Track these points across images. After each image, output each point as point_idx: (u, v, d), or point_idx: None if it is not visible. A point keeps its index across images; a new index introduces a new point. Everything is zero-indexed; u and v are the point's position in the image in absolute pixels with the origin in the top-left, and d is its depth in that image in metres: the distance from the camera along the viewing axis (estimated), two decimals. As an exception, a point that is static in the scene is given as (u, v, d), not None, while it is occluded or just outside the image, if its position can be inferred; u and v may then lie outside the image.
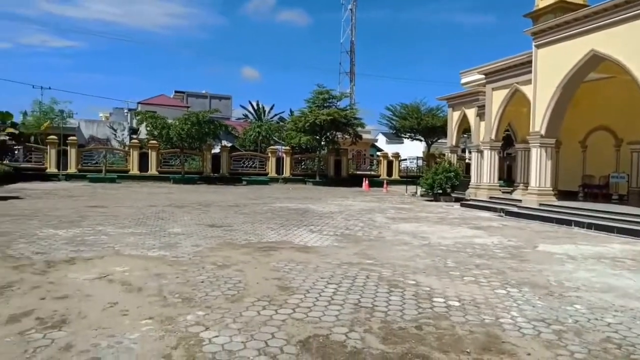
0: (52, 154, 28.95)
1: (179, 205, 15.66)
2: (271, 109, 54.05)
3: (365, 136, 38.58)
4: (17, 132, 28.87)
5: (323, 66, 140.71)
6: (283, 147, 34.84)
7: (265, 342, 3.94)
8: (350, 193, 24.76)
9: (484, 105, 19.17)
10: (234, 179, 31.35)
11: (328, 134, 32.51)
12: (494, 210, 15.94)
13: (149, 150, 30.51)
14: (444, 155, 29.48)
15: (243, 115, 55.50)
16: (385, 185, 29.00)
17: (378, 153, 42.42)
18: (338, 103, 33.60)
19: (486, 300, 5.34)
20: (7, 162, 27.01)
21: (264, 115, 52.29)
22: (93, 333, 4.03)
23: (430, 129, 37.87)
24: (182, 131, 28.56)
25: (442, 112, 37.39)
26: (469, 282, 6.15)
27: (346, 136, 33.17)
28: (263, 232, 10.10)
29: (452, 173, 20.88)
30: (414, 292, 5.61)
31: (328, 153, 34.68)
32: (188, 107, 47.55)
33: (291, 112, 44.83)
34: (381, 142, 58.97)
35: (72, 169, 29.10)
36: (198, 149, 31.37)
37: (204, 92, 62.73)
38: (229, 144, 36.74)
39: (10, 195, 17.43)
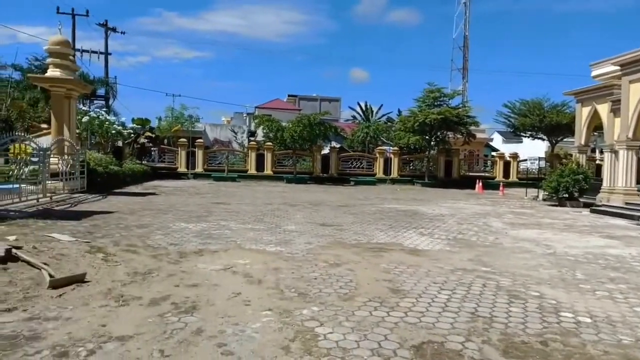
0: (182, 155, 32.11)
1: (292, 203, 16.36)
2: (379, 109, 53.83)
3: (478, 135, 36.62)
4: (153, 135, 32.67)
5: (433, 63, 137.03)
6: (391, 148, 34.53)
7: (379, 343, 3.96)
8: (462, 195, 23.73)
9: (619, 100, 17.14)
10: (342, 179, 31.86)
11: (438, 133, 31.42)
12: (631, 217, 14.16)
13: (265, 152, 32.34)
14: (570, 155, 26.90)
15: (351, 116, 56.03)
16: (501, 188, 27.25)
17: (493, 153, 40.03)
18: (449, 101, 32.39)
19: (623, 319, 4.78)
20: (146, 162, 30.58)
21: (372, 116, 52.24)
22: (220, 320, 4.40)
23: (554, 126, 34.83)
24: (294, 133, 29.77)
25: (568, 108, 34.24)
26: (602, 297, 5.56)
27: (458, 136, 31.74)
28: (372, 232, 10.14)
29: (581, 175, 18.96)
30: (537, 304, 5.22)
31: (438, 153, 33.60)
32: (300, 109, 49.36)
33: (399, 112, 44.23)
34: (497, 141, 55.59)
35: (199, 168, 31.95)
36: (308, 150, 32.45)
37: (314, 95, 64.65)
38: (338, 145, 37.39)
39: (148, 191, 19.70)
